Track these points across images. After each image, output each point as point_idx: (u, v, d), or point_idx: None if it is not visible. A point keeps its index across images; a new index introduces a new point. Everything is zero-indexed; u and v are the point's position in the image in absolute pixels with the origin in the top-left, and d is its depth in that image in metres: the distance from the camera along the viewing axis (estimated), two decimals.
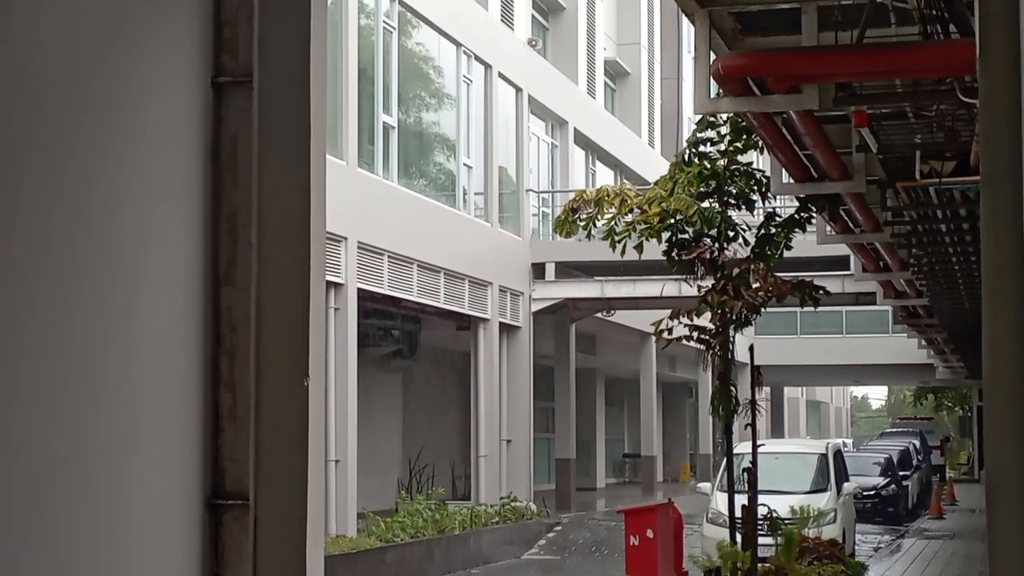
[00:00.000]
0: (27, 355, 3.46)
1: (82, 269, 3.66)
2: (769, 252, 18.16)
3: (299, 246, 4.19)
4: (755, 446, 18.44)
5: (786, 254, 18.50)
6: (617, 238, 17.77)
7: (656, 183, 18.17)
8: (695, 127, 18.15)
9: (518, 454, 33.77)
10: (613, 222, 17.91)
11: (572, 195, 18.85)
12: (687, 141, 18.38)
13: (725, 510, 18.91)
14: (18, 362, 3.43)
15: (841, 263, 29.72)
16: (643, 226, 17.73)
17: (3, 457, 3.35)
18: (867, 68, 12.43)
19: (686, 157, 18.01)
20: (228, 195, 4.18)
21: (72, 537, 3.59)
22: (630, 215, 17.96)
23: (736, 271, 17.39)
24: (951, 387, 64.69)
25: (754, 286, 17.35)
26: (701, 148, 17.98)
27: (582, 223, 17.83)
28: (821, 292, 18.21)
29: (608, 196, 17.82)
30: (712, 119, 17.61)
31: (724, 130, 17.80)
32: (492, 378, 32.38)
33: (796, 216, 18.45)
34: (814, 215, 18.75)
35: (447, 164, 31.82)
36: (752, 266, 17.46)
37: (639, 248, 17.79)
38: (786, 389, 72.18)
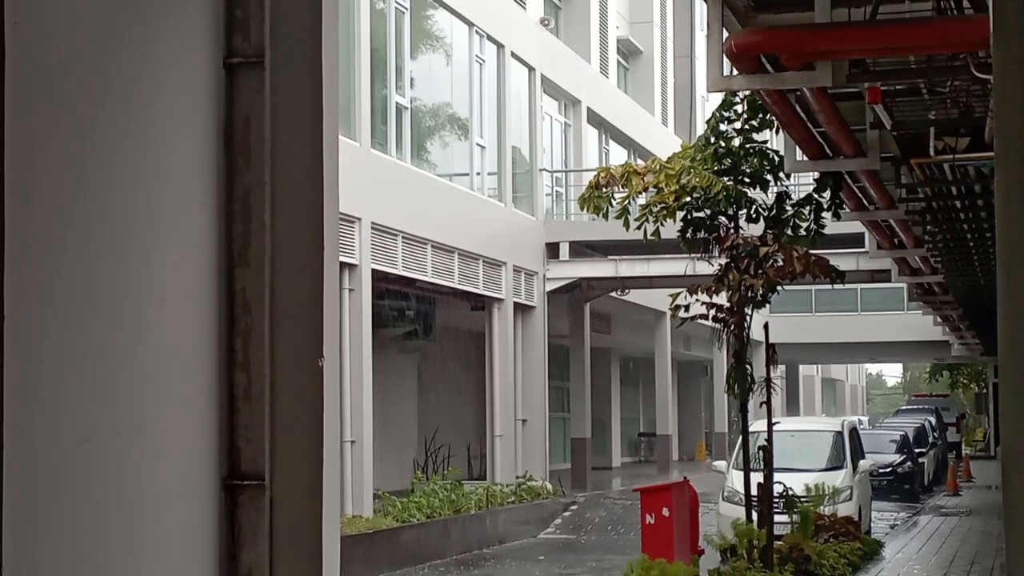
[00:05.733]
0: (43, 338, 3.47)
1: (96, 251, 3.66)
2: (791, 233, 18.14)
3: (313, 227, 4.18)
4: (770, 424, 18.45)
5: (800, 231, 18.45)
6: (636, 220, 17.77)
7: (669, 160, 18.13)
8: (716, 109, 18.09)
9: (533, 434, 33.81)
10: (627, 201, 17.89)
11: (591, 173, 18.83)
12: (707, 124, 18.31)
13: (741, 488, 18.94)
14: (34, 345, 3.43)
15: (856, 240, 29.64)
16: (659, 207, 17.70)
17: (20, 441, 3.36)
18: (881, 44, 12.40)
19: (707, 139, 17.97)
20: (241, 176, 4.18)
21: (88, 519, 3.61)
22: (644, 194, 17.93)
23: (763, 251, 17.35)
24: (966, 364, 64.55)
25: (778, 264, 17.33)
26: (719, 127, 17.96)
27: (613, 198, 17.81)
28: (836, 275, 18.17)
29: (636, 171, 17.79)
30: (732, 99, 17.56)
31: (740, 108, 17.75)
32: (507, 358, 32.39)
33: (813, 195, 18.41)
34: (835, 202, 18.70)
35: (460, 144, 31.80)
36: (776, 245, 17.44)
37: (656, 234, 17.78)
38: (801, 367, 72.12)
